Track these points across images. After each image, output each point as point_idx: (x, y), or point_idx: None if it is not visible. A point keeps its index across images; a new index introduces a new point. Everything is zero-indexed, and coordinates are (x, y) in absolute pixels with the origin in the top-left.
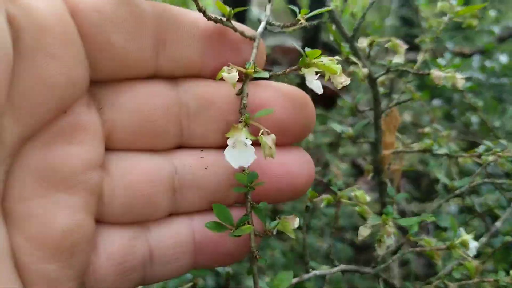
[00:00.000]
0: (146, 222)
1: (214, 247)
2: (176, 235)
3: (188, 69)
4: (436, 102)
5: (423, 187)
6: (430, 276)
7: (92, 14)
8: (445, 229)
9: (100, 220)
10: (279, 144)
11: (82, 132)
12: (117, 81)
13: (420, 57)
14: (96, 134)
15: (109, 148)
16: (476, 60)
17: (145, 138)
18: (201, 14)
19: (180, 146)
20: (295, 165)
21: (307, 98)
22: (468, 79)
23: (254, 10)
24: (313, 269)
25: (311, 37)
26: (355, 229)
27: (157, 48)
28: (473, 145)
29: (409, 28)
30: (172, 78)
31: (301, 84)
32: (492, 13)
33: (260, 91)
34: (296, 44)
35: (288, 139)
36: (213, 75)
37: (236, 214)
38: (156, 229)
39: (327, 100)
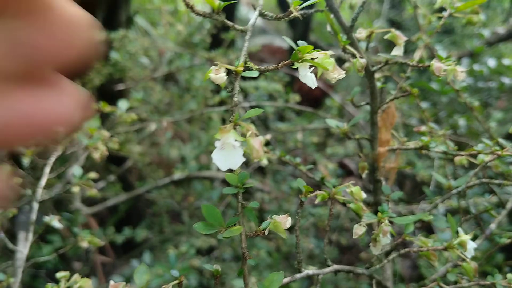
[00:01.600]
0: None
1: None
2: None
3: None
4: (423, 105)
5: (407, 189)
6: (415, 278)
7: None
8: (430, 232)
9: None
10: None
11: None
12: None
13: (418, 53)
14: None
15: None
16: (464, 63)
17: None
18: None
19: None
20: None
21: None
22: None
23: (243, 9)
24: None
25: (300, 37)
26: (340, 230)
27: None
28: (460, 147)
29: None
30: None
31: (291, 82)
32: (481, 16)
33: None
34: (287, 39)
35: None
36: None
37: None
38: None
39: (314, 101)
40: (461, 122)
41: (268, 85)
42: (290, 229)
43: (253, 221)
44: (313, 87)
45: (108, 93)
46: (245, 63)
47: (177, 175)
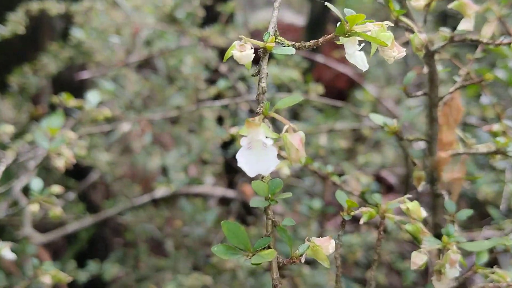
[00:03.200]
0: None
1: None
2: None
3: None
4: (485, 100)
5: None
6: None
7: None
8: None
9: None
10: None
11: None
12: None
13: (489, 28)
14: None
15: None
16: None
17: None
18: None
19: None
20: None
21: None
22: None
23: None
24: None
25: (320, 11)
26: (379, 265)
27: None
28: None
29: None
30: None
31: (310, 69)
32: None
33: None
34: (330, 5)
35: None
36: None
37: None
38: None
39: (337, 93)
40: None
41: (280, 73)
42: (310, 263)
43: (287, 243)
44: (364, 69)
45: (68, 83)
46: (276, 37)
47: (160, 191)
